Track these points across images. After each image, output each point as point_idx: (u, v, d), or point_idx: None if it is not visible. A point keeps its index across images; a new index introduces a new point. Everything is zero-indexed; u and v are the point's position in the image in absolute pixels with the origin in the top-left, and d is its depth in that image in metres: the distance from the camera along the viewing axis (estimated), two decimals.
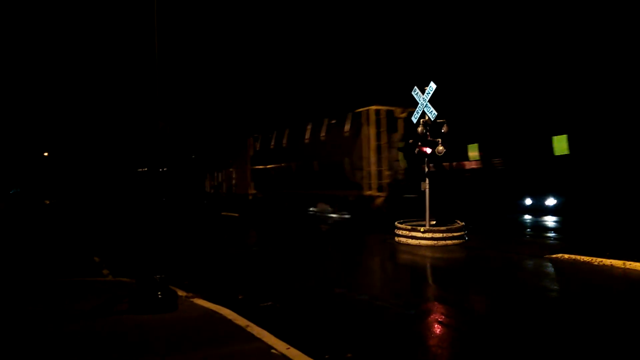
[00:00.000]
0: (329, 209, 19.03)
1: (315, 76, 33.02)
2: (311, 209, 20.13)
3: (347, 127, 17.89)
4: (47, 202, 40.72)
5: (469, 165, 15.96)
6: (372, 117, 16.67)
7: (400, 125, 17.00)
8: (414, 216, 12.42)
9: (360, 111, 17.14)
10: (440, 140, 11.21)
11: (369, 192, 16.82)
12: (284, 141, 22.29)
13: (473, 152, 15.71)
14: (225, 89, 39.79)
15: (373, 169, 16.58)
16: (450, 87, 15.48)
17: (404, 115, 16.45)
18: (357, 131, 17.31)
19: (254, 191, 25.51)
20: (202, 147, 34.11)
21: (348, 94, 26.48)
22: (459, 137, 14.60)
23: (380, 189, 16.70)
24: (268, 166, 23.61)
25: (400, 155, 16.60)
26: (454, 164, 16.16)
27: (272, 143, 23.37)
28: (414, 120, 11.57)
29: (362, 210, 16.71)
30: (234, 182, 27.53)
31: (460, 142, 15.37)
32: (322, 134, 19.15)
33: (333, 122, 18.92)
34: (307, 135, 20.24)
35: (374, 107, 16.74)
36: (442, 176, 15.02)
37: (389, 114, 16.93)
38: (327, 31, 32.87)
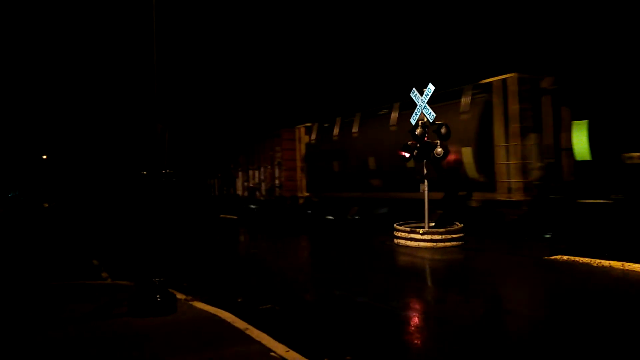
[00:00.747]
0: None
1: (398, 42, 24.25)
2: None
3: (464, 105, 12.97)
4: (46, 205, 40.71)
5: None
6: (513, 89, 11.88)
7: (547, 101, 11.92)
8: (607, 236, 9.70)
9: (491, 82, 12.39)
10: (439, 142, 11.23)
11: (507, 196, 11.96)
12: (354, 130, 17.33)
13: None
14: (263, 73, 35.27)
15: (514, 162, 11.80)
16: None
17: (554, 87, 11.83)
18: (484, 110, 12.55)
19: (306, 194, 20.87)
20: (228, 143, 29.19)
21: (456, 60, 20.15)
22: None
23: (527, 190, 11.77)
24: (329, 163, 18.67)
25: (580, 144, 10.69)
26: None
27: (335, 133, 18.36)
28: (412, 122, 11.59)
29: (492, 221, 12.21)
30: (277, 182, 22.50)
31: None
32: None
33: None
34: (393, 120, 15.42)
35: (512, 75, 11.99)
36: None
37: (533, 84, 12.10)
38: None
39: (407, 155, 11.79)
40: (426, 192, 11.53)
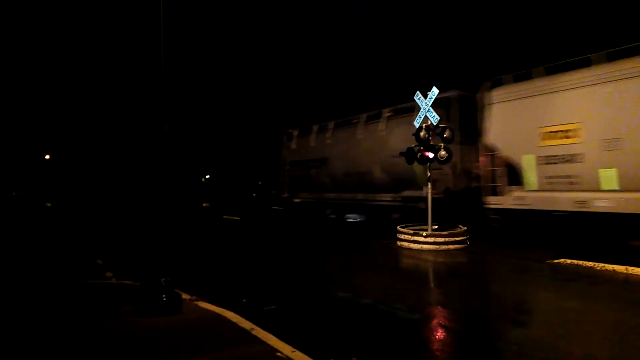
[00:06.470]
0: None
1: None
2: None
3: None
4: (48, 204, 40.79)
5: None
6: None
7: None
8: None
9: None
10: (442, 145, 11.25)
11: None
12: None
13: None
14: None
15: None
16: None
17: None
18: None
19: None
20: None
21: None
22: None
23: None
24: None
25: None
26: None
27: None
28: (416, 125, 11.61)
29: None
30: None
31: None
32: None
33: None
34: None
35: None
36: None
37: None
38: None
39: (411, 158, 11.82)
40: (429, 194, 11.56)
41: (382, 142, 15.72)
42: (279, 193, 22.76)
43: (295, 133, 21.00)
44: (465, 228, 11.45)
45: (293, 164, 20.90)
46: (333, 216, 19.00)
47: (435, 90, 11.26)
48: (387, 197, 15.60)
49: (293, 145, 20.91)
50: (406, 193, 14.84)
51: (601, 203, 10.16)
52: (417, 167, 12.85)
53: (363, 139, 16.75)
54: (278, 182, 22.83)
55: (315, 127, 19.79)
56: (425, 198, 11.99)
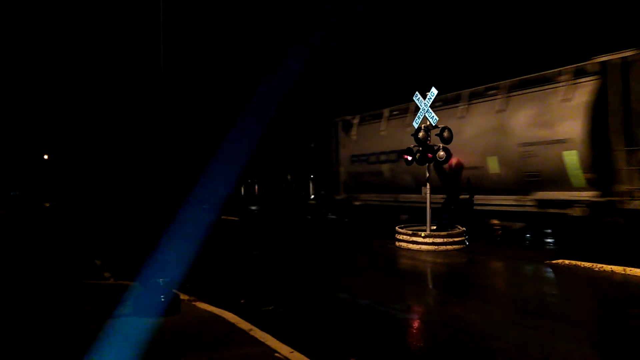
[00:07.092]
0: None
1: None
2: None
3: None
4: (47, 204, 40.73)
5: None
6: None
7: None
8: None
9: None
10: (441, 145, 11.26)
11: None
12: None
13: None
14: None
15: None
16: None
17: None
18: None
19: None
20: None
21: None
22: None
23: None
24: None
25: None
26: None
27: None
28: (415, 125, 11.62)
29: None
30: None
31: None
32: None
33: None
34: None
35: None
36: None
37: None
38: None
39: (410, 158, 11.83)
40: (428, 195, 11.56)
41: (500, 126, 12.06)
42: (331, 193, 18.79)
43: (356, 120, 17.23)
44: (464, 229, 11.45)
45: (353, 158, 17.07)
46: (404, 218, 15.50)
47: (434, 91, 11.26)
48: (508, 200, 11.99)
49: (353, 136, 17.20)
50: (543, 195, 11.27)
51: None
52: (569, 157, 10.33)
53: (466, 122, 12.95)
54: (331, 180, 18.80)
55: (386, 112, 15.98)
56: (579, 201, 10.58)
